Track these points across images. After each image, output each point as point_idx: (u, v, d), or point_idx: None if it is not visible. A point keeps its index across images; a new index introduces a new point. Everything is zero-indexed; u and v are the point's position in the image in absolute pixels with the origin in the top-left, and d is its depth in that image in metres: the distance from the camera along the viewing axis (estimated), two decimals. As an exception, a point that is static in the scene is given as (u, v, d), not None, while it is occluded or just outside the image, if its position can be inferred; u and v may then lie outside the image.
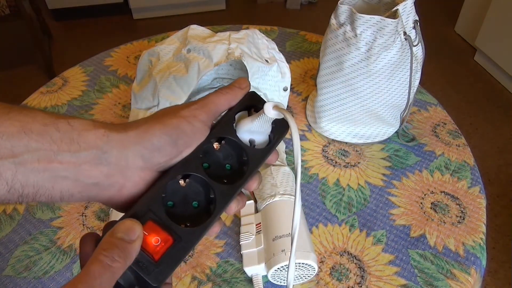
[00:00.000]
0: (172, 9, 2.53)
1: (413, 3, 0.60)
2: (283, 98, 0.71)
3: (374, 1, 0.66)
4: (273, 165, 0.60)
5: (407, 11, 0.59)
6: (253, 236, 0.52)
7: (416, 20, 0.61)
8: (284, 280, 0.50)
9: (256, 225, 0.54)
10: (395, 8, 0.58)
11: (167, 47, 0.67)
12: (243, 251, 0.52)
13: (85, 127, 0.26)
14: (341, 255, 0.55)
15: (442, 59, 2.18)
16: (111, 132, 0.27)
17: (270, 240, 0.50)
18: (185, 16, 2.57)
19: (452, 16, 2.47)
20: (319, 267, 0.53)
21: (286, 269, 0.48)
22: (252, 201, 0.58)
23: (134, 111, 0.69)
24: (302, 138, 0.71)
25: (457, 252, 0.54)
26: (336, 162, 0.67)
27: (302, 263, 0.48)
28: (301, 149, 0.69)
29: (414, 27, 0.61)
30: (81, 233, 0.58)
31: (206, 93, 0.76)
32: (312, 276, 0.50)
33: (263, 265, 0.49)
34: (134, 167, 0.27)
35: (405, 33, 0.59)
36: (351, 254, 0.55)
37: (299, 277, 0.50)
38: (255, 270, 0.50)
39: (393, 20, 0.56)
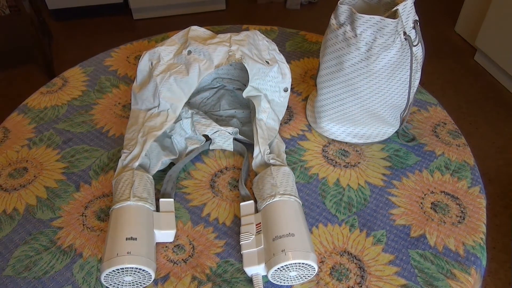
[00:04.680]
0: (172, 9, 2.53)
1: (413, 3, 0.60)
2: (284, 99, 0.71)
3: (374, 1, 0.66)
4: (273, 165, 0.60)
5: (407, 11, 0.59)
6: (253, 236, 0.52)
7: (416, 20, 0.61)
8: (284, 280, 0.50)
9: (256, 225, 0.54)
10: (395, 8, 0.58)
11: (168, 48, 0.67)
12: (243, 251, 0.52)
13: None
14: (341, 255, 0.55)
15: (442, 59, 2.18)
16: None
17: (270, 240, 0.50)
18: (185, 16, 2.57)
19: (452, 16, 2.47)
20: (319, 267, 0.53)
21: (286, 269, 0.48)
22: (252, 201, 0.58)
23: (134, 111, 0.69)
24: (302, 138, 0.71)
25: (457, 252, 0.54)
26: (336, 162, 0.67)
27: (302, 263, 0.48)
28: (301, 149, 0.69)
29: (414, 27, 0.61)
30: (81, 233, 0.58)
31: (206, 93, 0.76)
32: (312, 276, 0.50)
33: (263, 265, 0.49)
34: None
35: (405, 33, 0.59)
36: (351, 254, 0.55)
37: (299, 277, 0.50)
38: (255, 270, 0.50)
39: (393, 20, 0.56)
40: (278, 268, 0.48)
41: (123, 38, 2.35)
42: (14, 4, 1.83)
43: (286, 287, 0.52)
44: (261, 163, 0.62)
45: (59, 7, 2.42)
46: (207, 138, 0.69)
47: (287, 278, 0.50)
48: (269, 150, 0.63)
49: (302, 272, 0.49)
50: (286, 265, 0.47)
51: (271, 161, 0.61)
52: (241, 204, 0.57)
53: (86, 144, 0.71)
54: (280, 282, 0.51)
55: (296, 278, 0.50)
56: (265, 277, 0.51)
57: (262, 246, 0.51)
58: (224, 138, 0.67)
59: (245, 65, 0.63)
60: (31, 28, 1.93)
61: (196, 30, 0.68)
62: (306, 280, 0.51)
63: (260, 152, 0.62)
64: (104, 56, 0.92)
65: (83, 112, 0.78)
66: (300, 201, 0.56)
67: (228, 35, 0.66)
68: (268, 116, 0.67)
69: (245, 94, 0.65)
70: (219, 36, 0.66)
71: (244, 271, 0.51)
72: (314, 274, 0.50)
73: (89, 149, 0.70)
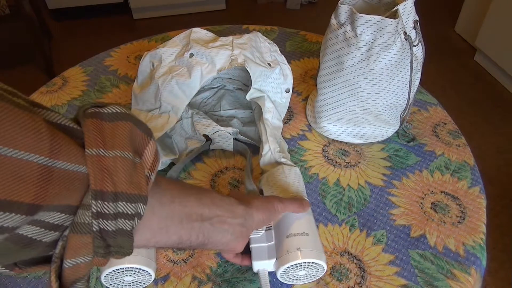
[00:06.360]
0: (172, 9, 2.53)
1: (413, 3, 0.60)
2: (285, 100, 0.71)
3: (374, 1, 0.66)
4: (285, 164, 0.60)
5: (407, 11, 0.59)
6: (263, 231, 0.51)
7: (416, 20, 0.61)
8: (292, 279, 0.50)
9: None
10: (395, 8, 0.58)
11: (169, 49, 0.66)
12: (253, 245, 0.51)
13: (235, 204, 0.42)
14: (341, 255, 0.55)
15: (442, 59, 2.18)
16: (247, 207, 0.43)
17: (284, 237, 0.49)
18: (185, 16, 2.57)
19: (452, 16, 2.47)
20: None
21: (298, 268, 0.48)
22: (255, 188, 0.57)
23: (134, 112, 0.69)
24: (302, 138, 0.71)
25: (457, 252, 0.54)
26: (336, 162, 0.67)
27: (314, 263, 0.47)
28: (301, 149, 0.69)
29: (414, 27, 0.61)
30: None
31: (207, 93, 0.76)
32: (319, 276, 0.50)
33: (273, 261, 0.49)
34: (252, 229, 0.44)
35: (405, 33, 0.59)
36: (351, 254, 0.55)
37: (306, 277, 0.50)
38: (263, 265, 0.49)
39: (393, 20, 0.56)
40: (291, 266, 0.47)
41: (123, 38, 2.35)
42: (14, 4, 1.83)
43: (287, 286, 0.52)
44: (270, 161, 0.62)
45: (59, 7, 2.42)
46: (207, 138, 0.69)
47: (295, 276, 0.50)
48: (279, 148, 0.63)
49: (311, 272, 0.49)
50: (300, 263, 0.47)
51: (282, 160, 0.61)
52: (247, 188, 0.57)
53: (86, 144, 0.71)
54: (287, 280, 0.50)
55: (303, 278, 0.50)
56: (270, 273, 0.51)
57: (273, 242, 0.50)
58: (224, 139, 0.67)
59: (248, 69, 0.62)
60: (31, 28, 1.93)
61: (198, 32, 0.68)
62: (312, 280, 0.51)
63: (270, 149, 0.62)
64: (104, 56, 0.92)
65: (83, 112, 0.78)
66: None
67: (230, 38, 0.66)
68: (273, 116, 0.66)
69: (248, 97, 0.65)
70: (221, 39, 0.65)
71: (244, 270, 0.51)
72: (322, 275, 0.50)
73: (89, 149, 0.70)
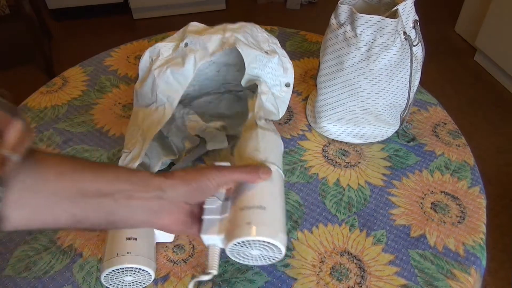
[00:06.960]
0: (172, 9, 2.53)
1: (413, 3, 0.60)
2: (285, 94, 0.69)
3: (374, 1, 0.66)
4: (261, 128, 0.53)
5: (407, 11, 0.59)
6: (220, 202, 0.45)
7: (416, 20, 0.61)
8: (244, 258, 0.44)
9: (227, 190, 0.46)
10: (395, 8, 0.58)
11: (168, 44, 0.66)
12: (204, 216, 0.44)
13: (148, 177, 0.39)
14: (341, 255, 0.55)
15: (442, 59, 2.18)
16: (166, 179, 0.39)
17: (238, 210, 0.43)
18: (185, 16, 2.56)
19: (452, 16, 2.47)
20: (318, 267, 0.53)
21: (248, 246, 0.42)
22: (228, 163, 0.47)
23: (135, 110, 0.69)
24: (302, 138, 0.71)
25: (457, 252, 0.54)
26: (336, 162, 0.67)
27: (267, 242, 0.41)
28: (301, 149, 0.69)
29: (414, 27, 0.61)
30: (81, 233, 0.58)
31: (210, 97, 0.75)
32: (277, 259, 0.44)
33: (223, 236, 0.42)
34: (178, 202, 0.41)
35: (405, 33, 0.59)
36: (351, 254, 0.55)
37: (262, 258, 0.44)
38: (212, 240, 0.43)
39: (393, 20, 0.56)
40: (238, 243, 0.41)
41: (123, 38, 2.34)
42: (14, 4, 1.83)
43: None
44: (250, 123, 0.56)
45: (59, 7, 2.42)
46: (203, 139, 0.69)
47: (248, 256, 0.44)
48: (262, 114, 0.58)
49: (267, 253, 0.42)
50: (248, 241, 0.41)
51: (260, 123, 0.55)
52: (216, 163, 0.47)
53: (86, 144, 0.71)
54: (238, 258, 0.44)
55: (258, 258, 0.44)
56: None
57: (227, 214, 0.43)
58: (216, 136, 0.67)
59: (239, 49, 0.59)
60: (31, 28, 1.93)
61: (195, 26, 0.68)
62: (269, 262, 0.44)
63: (253, 113, 0.57)
64: (104, 56, 0.92)
65: (83, 112, 0.78)
66: (283, 175, 0.49)
67: (224, 24, 0.65)
68: (267, 99, 0.63)
69: (244, 82, 0.64)
70: (215, 27, 0.65)
71: (244, 270, 0.51)
72: (280, 258, 0.43)
73: (89, 149, 0.70)
